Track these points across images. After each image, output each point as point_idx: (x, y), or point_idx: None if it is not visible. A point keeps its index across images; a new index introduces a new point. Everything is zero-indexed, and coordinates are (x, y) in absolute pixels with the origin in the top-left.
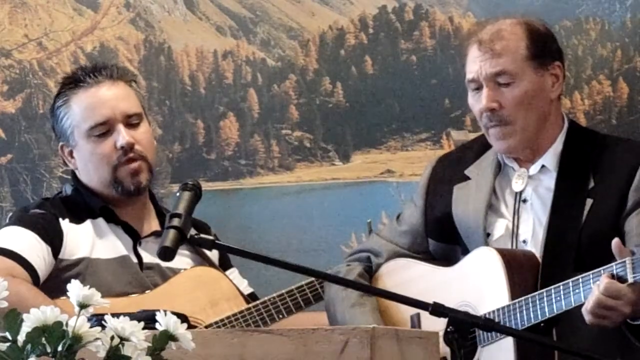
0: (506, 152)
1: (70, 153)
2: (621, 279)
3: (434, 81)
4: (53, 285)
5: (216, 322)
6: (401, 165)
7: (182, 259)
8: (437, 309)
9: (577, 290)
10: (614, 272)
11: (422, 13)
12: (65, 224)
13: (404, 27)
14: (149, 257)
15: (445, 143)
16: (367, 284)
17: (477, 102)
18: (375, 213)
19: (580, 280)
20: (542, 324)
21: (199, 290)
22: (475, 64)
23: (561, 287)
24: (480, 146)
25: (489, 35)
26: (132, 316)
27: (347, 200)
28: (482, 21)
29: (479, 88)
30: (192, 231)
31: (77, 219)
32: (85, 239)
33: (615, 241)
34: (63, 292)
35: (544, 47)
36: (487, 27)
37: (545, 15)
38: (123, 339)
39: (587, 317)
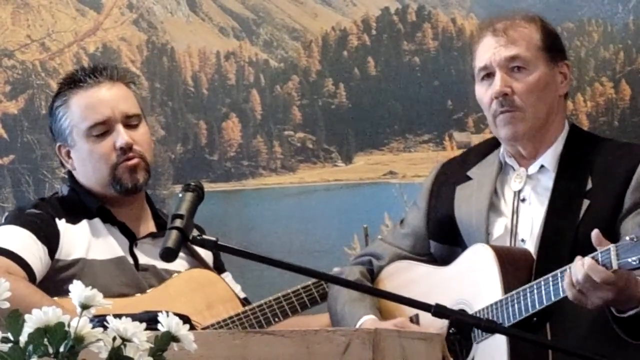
0: (513, 138)
1: (68, 153)
2: (606, 267)
3: (436, 82)
4: (49, 286)
5: (212, 325)
6: (404, 167)
7: (178, 261)
8: (439, 311)
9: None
10: (600, 260)
11: (425, 14)
12: (61, 224)
13: (407, 29)
14: (145, 259)
15: (447, 144)
16: (369, 285)
17: (488, 89)
18: (377, 214)
19: (569, 269)
20: (534, 318)
21: (195, 293)
22: (489, 52)
23: (550, 279)
24: (483, 149)
25: (503, 24)
26: (134, 317)
27: (350, 201)
28: (493, 17)
29: (489, 75)
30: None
31: (74, 219)
32: (81, 240)
33: (595, 232)
34: (59, 292)
35: (555, 43)
36: (501, 20)
37: (548, 17)
38: (125, 340)
39: (569, 293)
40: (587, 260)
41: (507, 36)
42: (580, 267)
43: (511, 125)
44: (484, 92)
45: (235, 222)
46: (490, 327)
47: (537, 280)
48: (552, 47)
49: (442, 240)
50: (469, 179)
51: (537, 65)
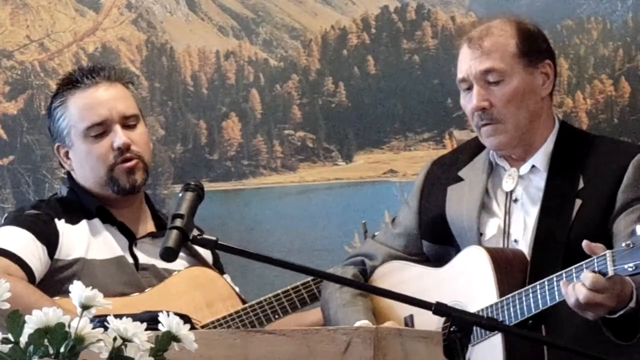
0: (497, 149)
1: (66, 154)
2: (602, 273)
3: (436, 81)
4: (48, 286)
5: (212, 323)
6: (404, 165)
7: (178, 261)
8: (439, 309)
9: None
10: (595, 267)
11: (424, 13)
12: (61, 224)
13: (406, 27)
14: (144, 258)
15: (447, 143)
16: (369, 285)
17: (469, 101)
18: (378, 213)
19: (564, 275)
20: (530, 321)
21: (195, 291)
22: (465, 63)
23: (546, 283)
24: (474, 148)
25: (478, 33)
26: (135, 317)
27: (350, 200)
28: (474, 21)
29: (469, 88)
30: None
31: (73, 220)
32: (80, 240)
33: (585, 243)
34: (58, 292)
35: (533, 45)
36: (476, 27)
37: (547, 14)
38: (126, 340)
39: (574, 309)
40: (587, 275)
41: (482, 48)
42: (580, 288)
43: (493, 137)
44: (466, 104)
45: (236, 222)
46: (492, 325)
47: (533, 285)
48: (530, 51)
49: (435, 240)
50: (460, 179)
51: (513, 75)
